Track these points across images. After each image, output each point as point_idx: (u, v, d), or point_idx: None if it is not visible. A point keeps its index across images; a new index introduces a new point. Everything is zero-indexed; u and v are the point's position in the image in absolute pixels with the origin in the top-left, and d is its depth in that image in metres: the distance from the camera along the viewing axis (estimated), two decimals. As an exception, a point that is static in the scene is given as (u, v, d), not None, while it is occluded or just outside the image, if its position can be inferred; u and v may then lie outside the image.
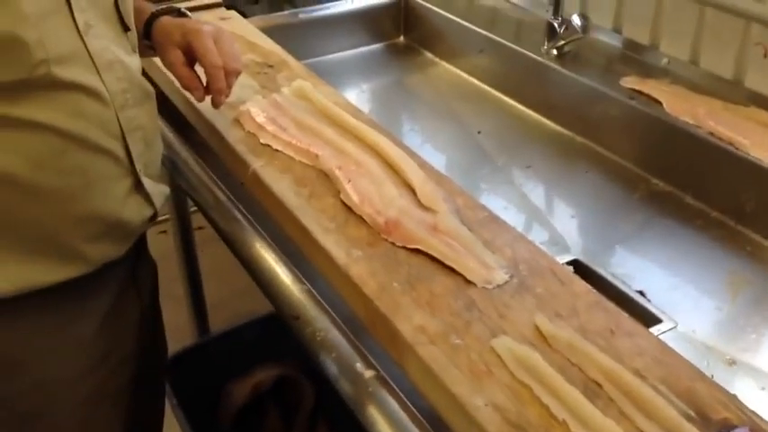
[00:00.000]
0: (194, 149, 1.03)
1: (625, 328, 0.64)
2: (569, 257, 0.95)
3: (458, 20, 1.46)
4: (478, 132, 1.25)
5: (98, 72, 0.74)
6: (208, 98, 0.90)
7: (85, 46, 0.73)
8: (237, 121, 0.96)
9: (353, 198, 0.79)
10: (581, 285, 0.69)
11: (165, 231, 1.55)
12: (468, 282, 0.68)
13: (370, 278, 0.69)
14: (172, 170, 0.98)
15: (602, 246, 0.99)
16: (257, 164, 0.87)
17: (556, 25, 1.25)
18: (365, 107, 1.35)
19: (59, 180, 0.73)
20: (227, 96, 0.89)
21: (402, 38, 1.63)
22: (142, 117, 0.80)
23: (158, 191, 0.85)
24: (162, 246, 1.35)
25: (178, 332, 1.73)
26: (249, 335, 1.39)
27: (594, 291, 0.68)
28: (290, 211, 0.79)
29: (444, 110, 1.34)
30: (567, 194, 1.10)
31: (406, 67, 1.53)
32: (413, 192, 0.81)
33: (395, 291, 0.67)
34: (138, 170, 0.80)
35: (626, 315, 0.65)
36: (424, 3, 1.53)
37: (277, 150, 0.90)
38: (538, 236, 0.99)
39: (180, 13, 0.94)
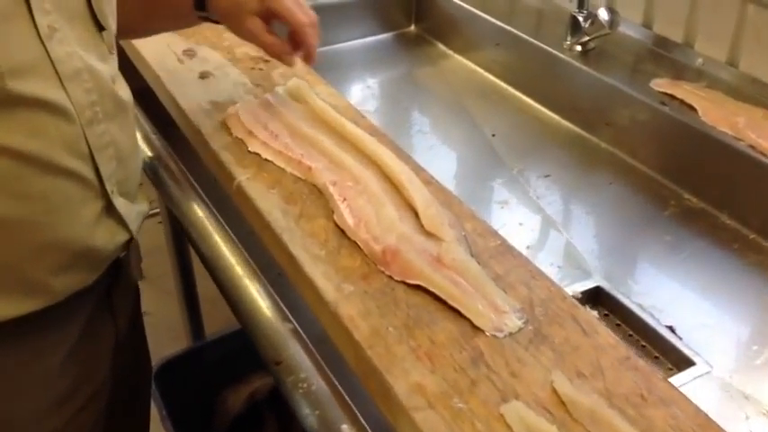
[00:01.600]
0: (180, 154, 0.94)
1: (659, 392, 0.54)
2: (591, 284, 0.86)
3: (473, 9, 1.35)
4: (492, 135, 1.15)
5: (62, 83, 0.64)
6: None
7: (48, 53, 0.63)
8: (225, 125, 0.86)
9: (348, 221, 0.70)
10: (607, 336, 0.59)
11: (162, 222, 1.48)
12: (476, 328, 0.59)
13: (362, 320, 0.60)
14: (154, 178, 0.89)
15: (627, 270, 0.89)
16: (243, 176, 0.78)
17: (580, 19, 1.15)
18: (370, 104, 1.26)
19: (16, 207, 0.63)
20: None
21: (413, 27, 1.52)
22: (114, 132, 0.71)
23: (134, 212, 0.76)
24: (158, 236, 1.27)
25: (172, 331, 1.66)
26: (244, 340, 1.31)
27: (623, 343, 0.58)
28: (277, 233, 0.70)
29: (456, 108, 1.24)
30: (588, 209, 1.00)
31: (417, 60, 1.43)
32: (415, 214, 0.71)
33: (390, 337, 0.58)
34: (109, 191, 0.71)
35: (660, 375, 0.56)
36: (438, -9, 1.43)
37: (266, 160, 0.80)
38: (555, 257, 0.90)
39: None
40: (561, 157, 1.09)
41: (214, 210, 0.82)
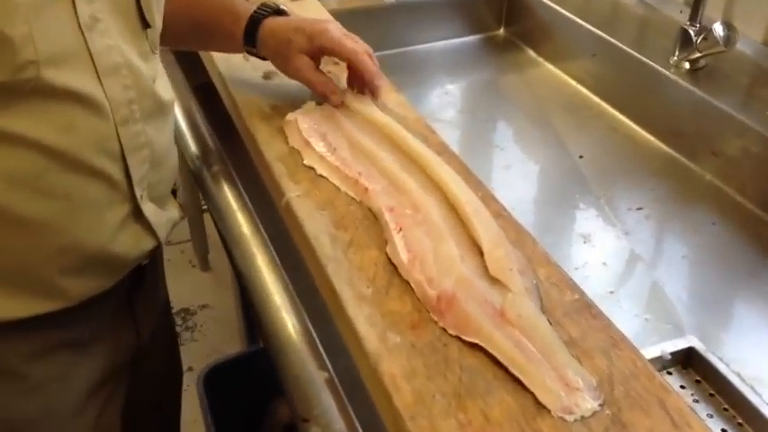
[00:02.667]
0: (235, 155, 0.88)
1: None
2: (683, 343, 0.73)
3: (570, 15, 1.23)
4: (580, 156, 1.03)
5: (99, 77, 0.61)
6: None
7: (86, 44, 0.59)
8: (282, 132, 0.79)
9: (401, 256, 0.61)
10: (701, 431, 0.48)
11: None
12: (540, 405, 0.49)
13: (405, 382, 0.51)
14: (198, 182, 0.83)
15: (727, 329, 0.77)
16: (293, 192, 0.70)
17: (692, 33, 1.01)
18: (447, 112, 1.16)
19: (37, 205, 0.60)
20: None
21: (502, 30, 1.41)
22: (151, 133, 0.67)
23: (164, 219, 0.71)
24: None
25: (232, 326, 1.62)
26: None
27: (723, 446, 0.47)
28: (322, 263, 0.62)
29: (541, 122, 1.13)
30: (685, 251, 0.87)
31: (503, 66, 1.32)
32: (480, 253, 0.62)
33: (436, 407, 0.49)
34: (137, 196, 0.66)
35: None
36: (532, -8, 1.31)
37: (321, 176, 0.73)
38: (642, 306, 0.78)
39: (278, 12, 0.82)
40: (657, 187, 0.96)
41: (260, 225, 0.75)
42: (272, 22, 0.80)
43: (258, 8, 0.81)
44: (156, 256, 0.75)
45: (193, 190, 1.60)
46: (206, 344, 1.83)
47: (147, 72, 0.66)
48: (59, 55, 0.57)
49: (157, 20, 0.68)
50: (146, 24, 0.66)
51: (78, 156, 0.60)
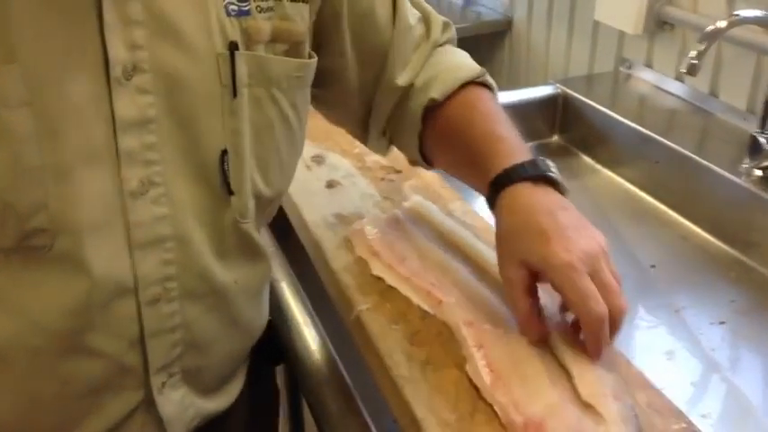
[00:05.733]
0: (298, 269, 0.85)
1: None
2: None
3: (626, 121, 1.22)
4: (652, 266, 0.98)
5: (129, 251, 0.51)
6: None
7: (125, 214, 0.50)
8: (348, 242, 0.77)
9: (484, 377, 0.57)
10: None
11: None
12: None
13: None
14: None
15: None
16: (363, 305, 0.67)
17: (763, 141, 0.98)
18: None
19: (21, 393, 0.51)
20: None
21: (556, 137, 1.41)
22: (192, 314, 0.56)
23: (191, 413, 0.60)
24: None
25: None
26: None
27: None
28: (398, 385, 0.58)
29: (604, 230, 1.06)
30: (777, 369, 0.81)
31: (560, 171, 1.30)
32: (568, 376, 0.57)
33: None
34: (154, 385, 0.56)
35: None
36: (587, 100, 1.31)
37: (391, 287, 0.70)
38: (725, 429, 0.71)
39: (540, 176, 0.61)
40: (740, 299, 0.91)
41: (333, 352, 0.70)
42: (516, 196, 0.60)
43: (512, 168, 0.61)
44: None
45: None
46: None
47: (209, 244, 0.55)
48: (82, 225, 0.48)
49: (261, 186, 0.57)
50: (230, 191, 0.55)
51: (79, 338, 0.50)
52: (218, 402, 0.64)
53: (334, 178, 0.91)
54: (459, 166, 0.71)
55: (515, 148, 0.64)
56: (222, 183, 0.54)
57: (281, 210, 0.93)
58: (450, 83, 0.70)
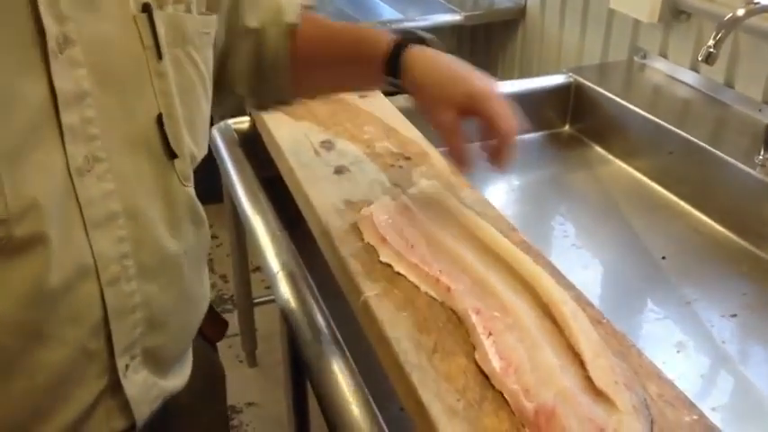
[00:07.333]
0: (304, 254, 0.84)
1: None
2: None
3: (640, 111, 1.20)
4: (662, 258, 0.97)
5: (86, 231, 0.50)
6: None
7: (75, 193, 0.49)
8: (356, 228, 0.76)
9: (494, 364, 0.56)
10: None
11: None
12: None
13: None
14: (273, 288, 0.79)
15: None
16: (371, 292, 0.67)
17: (778, 131, 0.97)
18: (512, 209, 1.12)
19: None
20: None
21: (567, 127, 1.39)
22: (150, 292, 0.56)
23: (154, 393, 0.59)
24: (275, 321, 1.11)
25: (278, 425, 1.52)
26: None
27: None
28: (405, 371, 0.57)
29: (615, 221, 1.08)
30: (790, 363, 0.79)
31: (570, 163, 1.29)
32: (580, 362, 0.56)
33: None
34: (119, 367, 0.55)
35: None
36: (600, 89, 1.29)
37: (399, 274, 0.69)
38: (753, 428, 0.70)
39: (419, 40, 0.72)
40: (754, 292, 0.90)
41: (338, 335, 0.70)
42: (420, 55, 0.70)
43: (400, 37, 0.71)
44: None
45: (243, 283, 1.58)
46: (253, 445, 1.75)
47: (159, 216, 0.56)
48: (34, 205, 0.47)
49: (188, 149, 0.58)
50: (172, 155, 0.56)
51: (40, 328, 0.49)
52: (175, 382, 0.64)
53: (343, 164, 0.90)
54: (341, 64, 0.76)
55: (385, 31, 0.73)
56: (164, 148, 0.55)
57: (288, 195, 0.93)
58: (294, 7, 0.73)
